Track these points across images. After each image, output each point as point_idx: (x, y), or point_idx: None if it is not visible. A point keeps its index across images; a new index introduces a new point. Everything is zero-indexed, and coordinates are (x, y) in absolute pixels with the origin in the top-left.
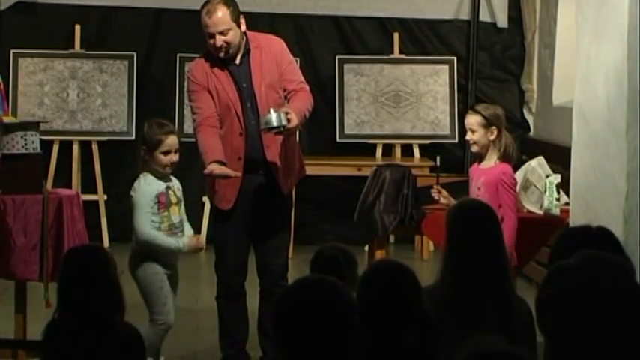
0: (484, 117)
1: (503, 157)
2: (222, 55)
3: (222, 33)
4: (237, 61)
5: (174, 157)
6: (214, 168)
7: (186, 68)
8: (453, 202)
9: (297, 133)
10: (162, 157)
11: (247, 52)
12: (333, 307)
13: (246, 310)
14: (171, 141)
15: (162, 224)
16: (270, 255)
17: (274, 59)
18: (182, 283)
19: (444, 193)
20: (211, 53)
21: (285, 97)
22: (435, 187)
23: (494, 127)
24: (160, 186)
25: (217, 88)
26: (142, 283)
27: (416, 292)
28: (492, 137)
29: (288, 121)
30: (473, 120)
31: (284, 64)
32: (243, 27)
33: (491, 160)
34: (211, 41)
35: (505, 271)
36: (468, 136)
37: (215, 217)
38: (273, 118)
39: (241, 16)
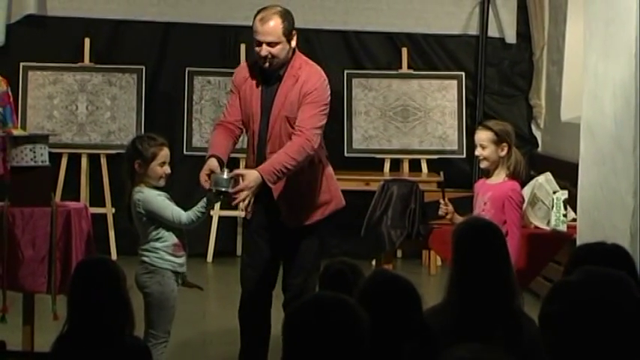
0: (495, 133)
1: (512, 174)
2: (265, 65)
3: (269, 44)
4: (271, 81)
5: (168, 169)
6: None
7: (195, 81)
8: (457, 217)
9: (322, 160)
10: (158, 168)
11: (281, 77)
12: (344, 324)
13: (267, 329)
14: (166, 152)
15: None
16: (287, 275)
17: (301, 90)
18: (189, 296)
19: (450, 208)
20: (257, 62)
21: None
22: (442, 202)
23: (504, 144)
24: (162, 195)
25: (246, 99)
26: (158, 299)
27: (414, 303)
28: (503, 153)
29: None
30: (484, 136)
31: (305, 100)
32: (294, 43)
33: (499, 177)
34: (257, 48)
35: (512, 290)
36: (478, 152)
37: (243, 229)
38: (224, 182)
39: (294, 32)
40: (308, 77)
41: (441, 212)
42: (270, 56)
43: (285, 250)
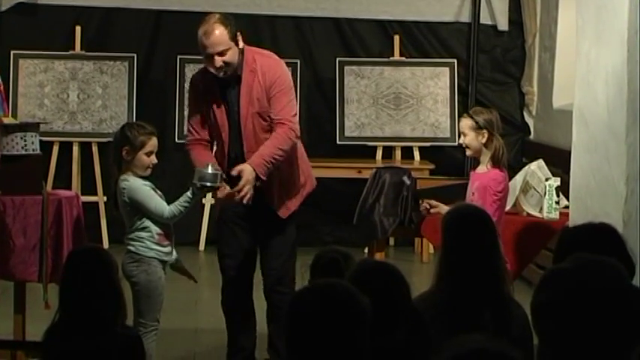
0: (474, 120)
1: (493, 162)
2: (221, 74)
3: (220, 53)
4: (231, 85)
5: (154, 159)
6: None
7: (186, 69)
8: (444, 208)
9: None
10: (145, 157)
11: (240, 76)
12: (347, 310)
13: (252, 316)
14: (154, 142)
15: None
16: (266, 261)
17: (264, 83)
18: (181, 284)
19: (433, 202)
20: (207, 74)
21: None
22: (422, 203)
23: (484, 131)
24: (148, 185)
25: (209, 109)
26: (146, 287)
27: (402, 289)
28: (483, 140)
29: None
30: (463, 123)
31: (273, 91)
32: (241, 44)
33: (484, 165)
34: (209, 62)
35: (501, 276)
36: (461, 140)
37: (217, 220)
38: (208, 177)
39: (238, 33)
40: (267, 68)
41: (423, 212)
42: (224, 65)
43: (263, 237)
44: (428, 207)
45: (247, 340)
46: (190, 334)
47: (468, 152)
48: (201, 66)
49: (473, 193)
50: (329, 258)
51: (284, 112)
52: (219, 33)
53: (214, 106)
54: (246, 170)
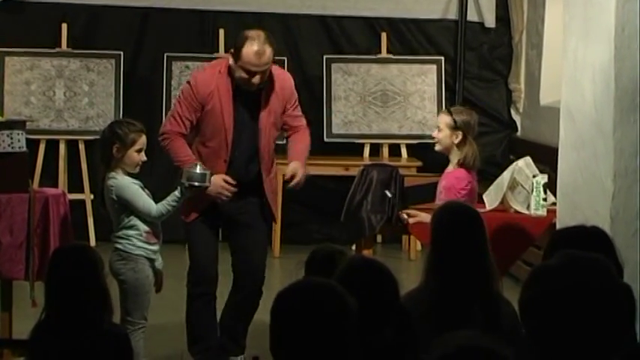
0: (453, 118)
1: (462, 164)
2: (252, 88)
3: (264, 72)
4: (244, 93)
5: (144, 157)
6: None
7: (173, 67)
8: (425, 215)
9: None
10: (135, 155)
11: (261, 87)
12: (333, 311)
13: (216, 314)
14: (144, 139)
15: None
16: (252, 260)
17: (282, 98)
18: (168, 281)
19: (412, 212)
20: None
21: (285, 130)
22: (402, 214)
23: (459, 132)
24: (137, 183)
25: (215, 109)
26: (133, 285)
27: (392, 287)
28: (456, 141)
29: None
30: (441, 119)
31: (290, 102)
32: None
33: (452, 164)
34: (247, 77)
35: (490, 274)
36: (434, 134)
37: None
38: (196, 177)
39: None
40: (282, 82)
41: (404, 221)
42: (260, 81)
43: (240, 239)
44: (407, 217)
45: (215, 338)
46: (178, 332)
47: (437, 147)
48: (188, 63)
49: (441, 192)
50: (322, 255)
51: (300, 120)
52: (268, 54)
53: (224, 108)
54: (300, 168)
